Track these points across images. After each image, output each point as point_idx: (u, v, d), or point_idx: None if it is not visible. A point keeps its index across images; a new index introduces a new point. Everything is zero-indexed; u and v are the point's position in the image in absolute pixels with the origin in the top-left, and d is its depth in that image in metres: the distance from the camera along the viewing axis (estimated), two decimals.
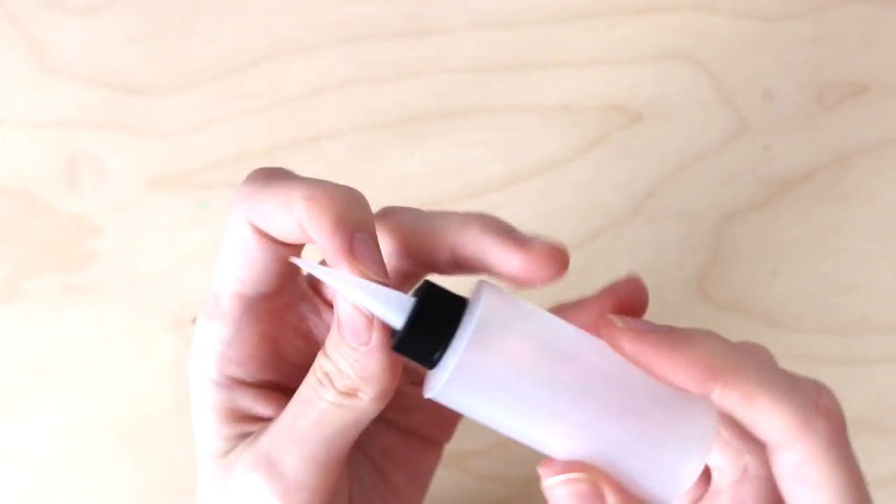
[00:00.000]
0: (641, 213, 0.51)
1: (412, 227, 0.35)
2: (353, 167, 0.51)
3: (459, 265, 0.35)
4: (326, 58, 0.51)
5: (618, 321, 0.34)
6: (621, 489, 0.33)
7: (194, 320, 0.50)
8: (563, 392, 0.32)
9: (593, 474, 0.33)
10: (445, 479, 0.51)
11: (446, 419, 0.41)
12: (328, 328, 0.35)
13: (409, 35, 0.51)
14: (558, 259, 0.35)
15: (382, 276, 0.32)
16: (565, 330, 0.33)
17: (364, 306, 0.31)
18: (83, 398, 0.50)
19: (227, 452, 0.35)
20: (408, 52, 0.51)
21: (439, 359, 0.31)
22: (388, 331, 0.32)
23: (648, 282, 0.51)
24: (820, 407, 0.32)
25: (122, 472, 0.50)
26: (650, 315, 0.51)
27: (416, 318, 0.31)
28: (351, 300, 0.31)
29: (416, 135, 0.51)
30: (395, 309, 0.31)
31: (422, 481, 0.41)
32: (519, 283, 0.34)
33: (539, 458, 0.51)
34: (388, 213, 0.36)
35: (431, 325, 0.31)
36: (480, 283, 0.32)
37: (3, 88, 0.51)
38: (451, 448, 0.51)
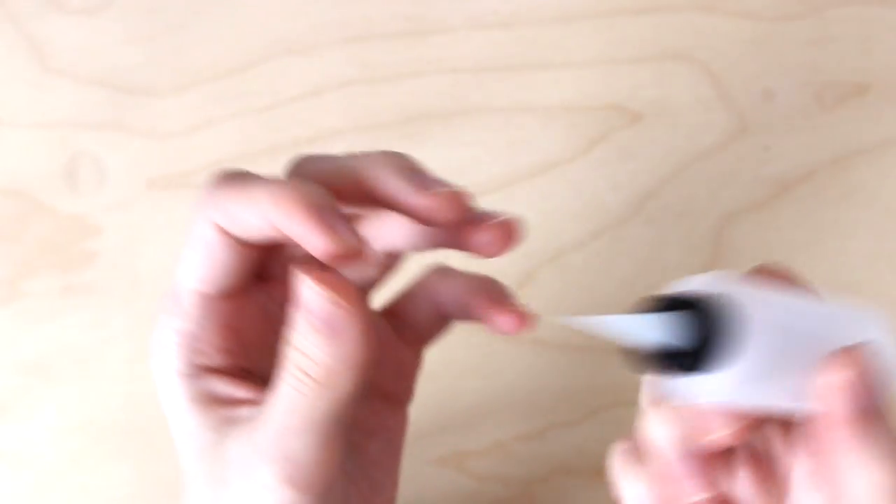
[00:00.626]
0: (641, 213, 0.51)
1: (333, 175, 0.36)
2: None
3: (377, 204, 0.36)
4: (326, 58, 0.51)
5: None
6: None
7: None
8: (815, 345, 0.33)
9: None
10: (445, 479, 0.51)
11: (404, 373, 0.41)
12: (281, 306, 0.36)
13: (409, 35, 0.51)
14: (458, 204, 0.36)
15: (363, 246, 0.33)
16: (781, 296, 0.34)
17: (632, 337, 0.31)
18: (83, 398, 0.50)
19: (216, 444, 0.35)
20: (408, 52, 0.51)
21: (716, 363, 0.30)
22: (360, 307, 0.33)
23: (648, 282, 0.51)
24: None
25: (121, 472, 0.50)
26: None
27: (692, 333, 0.31)
28: (617, 336, 0.31)
29: (416, 135, 0.51)
30: (657, 328, 0.31)
31: (395, 446, 0.41)
32: (422, 221, 0.36)
33: (538, 457, 0.51)
34: (306, 162, 0.37)
35: (702, 336, 0.31)
36: (714, 276, 0.33)
37: (3, 88, 0.51)
38: (451, 448, 0.51)
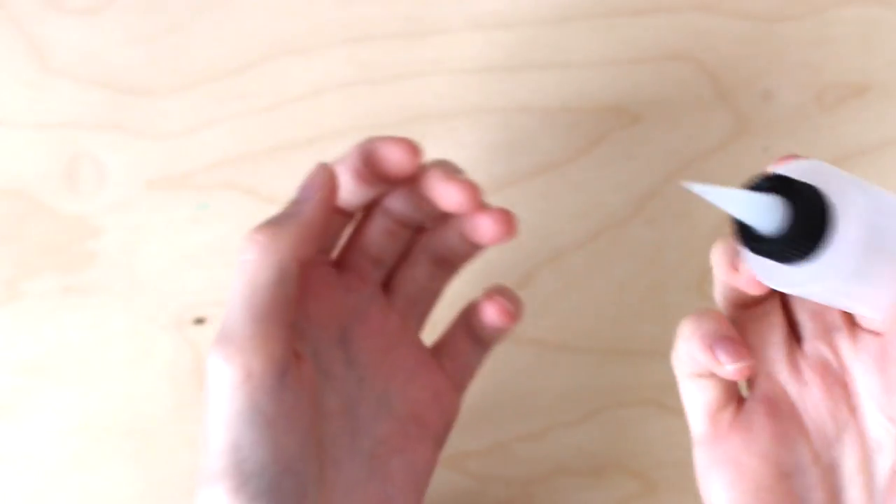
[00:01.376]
0: (641, 213, 0.51)
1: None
2: None
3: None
4: (326, 59, 0.51)
5: None
6: None
7: (195, 321, 0.50)
8: None
9: None
10: (445, 479, 0.51)
11: (441, 407, 0.43)
12: None
13: (409, 36, 0.51)
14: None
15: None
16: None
17: (738, 215, 0.31)
18: (83, 398, 0.50)
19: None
20: (408, 52, 0.51)
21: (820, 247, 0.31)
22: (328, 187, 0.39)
23: (648, 282, 0.51)
24: None
25: (121, 472, 0.50)
26: (648, 317, 0.51)
27: (796, 216, 0.30)
28: (727, 209, 0.31)
29: (416, 135, 0.51)
30: (767, 211, 0.30)
31: (417, 473, 0.42)
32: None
33: (538, 457, 0.51)
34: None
35: (807, 220, 0.30)
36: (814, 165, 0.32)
37: (3, 89, 0.51)
38: (451, 448, 0.51)
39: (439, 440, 0.43)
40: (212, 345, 0.37)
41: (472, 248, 0.43)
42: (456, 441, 0.51)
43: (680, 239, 0.51)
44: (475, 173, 0.51)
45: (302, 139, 0.51)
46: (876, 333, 0.35)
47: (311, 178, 0.39)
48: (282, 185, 0.51)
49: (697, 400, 0.37)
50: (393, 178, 0.40)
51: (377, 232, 0.42)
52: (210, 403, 0.37)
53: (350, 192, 0.41)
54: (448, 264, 0.43)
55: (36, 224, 0.51)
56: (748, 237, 0.31)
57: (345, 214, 0.42)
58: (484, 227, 0.40)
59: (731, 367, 0.35)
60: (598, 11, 0.51)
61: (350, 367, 0.41)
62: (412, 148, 0.40)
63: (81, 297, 0.50)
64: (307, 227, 0.38)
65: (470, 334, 0.44)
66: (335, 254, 0.43)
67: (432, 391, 0.43)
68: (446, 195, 0.40)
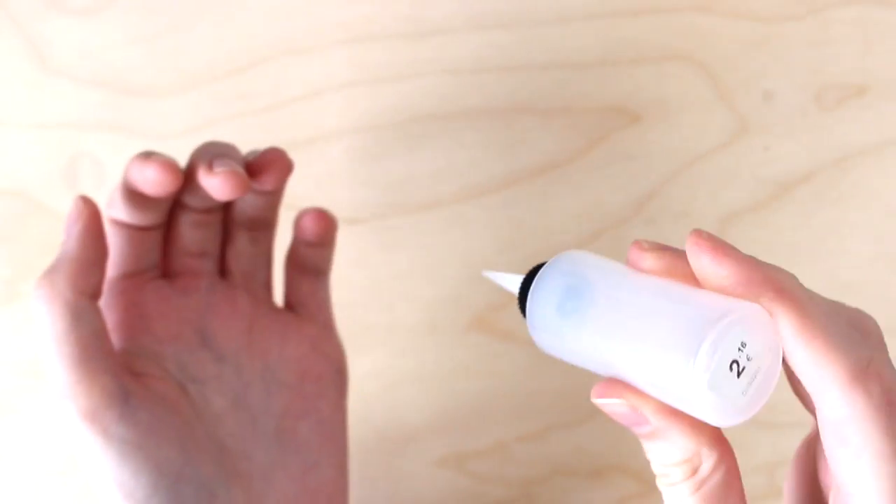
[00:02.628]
0: (641, 213, 0.51)
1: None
2: (353, 168, 0.51)
3: None
4: (326, 59, 0.51)
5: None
6: (659, 405, 0.32)
7: None
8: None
9: (629, 397, 0.32)
10: (446, 479, 0.51)
11: (320, 350, 0.44)
12: None
13: (409, 36, 0.51)
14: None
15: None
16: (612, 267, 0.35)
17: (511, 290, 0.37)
18: None
19: None
20: (408, 52, 0.51)
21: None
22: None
23: None
24: (874, 362, 0.30)
25: None
26: None
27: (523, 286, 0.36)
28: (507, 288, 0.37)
29: (416, 136, 0.51)
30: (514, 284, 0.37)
31: (329, 427, 0.43)
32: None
33: (538, 458, 0.51)
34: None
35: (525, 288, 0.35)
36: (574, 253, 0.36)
37: (3, 89, 0.51)
38: (452, 449, 0.51)
39: (338, 386, 0.44)
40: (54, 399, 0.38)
41: (268, 202, 0.43)
42: (456, 441, 0.51)
43: (680, 239, 0.51)
44: (475, 174, 0.51)
45: (302, 139, 0.51)
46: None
47: (68, 216, 0.40)
48: None
49: None
50: (164, 197, 0.41)
51: (187, 228, 0.42)
52: (80, 450, 0.38)
53: (141, 212, 0.41)
54: (259, 223, 0.44)
55: (36, 224, 0.50)
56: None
57: (155, 228, 0.42)
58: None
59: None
60: (598, 11, 0.51)
61: (221, 362, 0.42)
62: (166, 166, 0.40)
63: None
64: (77, 260, 0.38)
65: (299, 270, 0.44)
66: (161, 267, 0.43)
67: (308, 343, 0.43)
68: (216, 191, 0.40)
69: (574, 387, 0.51)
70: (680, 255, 0.32)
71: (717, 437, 0.31)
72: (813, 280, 0.51)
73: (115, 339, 0.40)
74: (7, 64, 0.51)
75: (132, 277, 0.42)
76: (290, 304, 0.45)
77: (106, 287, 0.41)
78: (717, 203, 0.51)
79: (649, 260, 0.33)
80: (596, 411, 0.51)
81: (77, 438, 0.38)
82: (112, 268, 0.41)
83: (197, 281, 0.43)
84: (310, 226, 0.43)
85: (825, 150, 0.52)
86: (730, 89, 0.51)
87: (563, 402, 0.51)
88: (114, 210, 0.41)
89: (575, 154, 0.51)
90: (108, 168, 0.51)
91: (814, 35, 0.52)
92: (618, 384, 0.32)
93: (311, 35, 0.51)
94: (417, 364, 0.51)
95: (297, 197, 0.50)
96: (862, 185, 0.52)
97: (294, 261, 0.45)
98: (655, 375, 0.31)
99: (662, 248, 0.33)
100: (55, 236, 0.50)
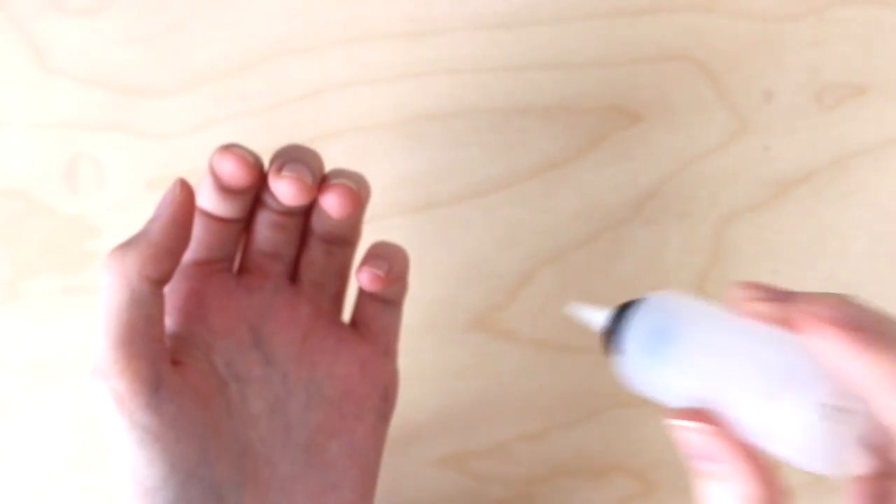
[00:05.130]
0: (641, 213, 0.51)
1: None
2: (353, 167, 0.51)
3: None
4: (326, 58, 0.51)
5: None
6: (741, 447, 0.33)
7: None
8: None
9: (718, 428, 0.33)
10: (446, 479, 0.51)
11: (370, 376, 0.43)
12: None
13: (409, 35, 0.51)
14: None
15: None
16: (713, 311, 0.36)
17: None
18: (83, 398, 0.50)
19: None
20: (408, 52, 0.51)
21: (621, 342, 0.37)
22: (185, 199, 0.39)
23: (648, 282, 0.51)
24: None
25: None
26: None
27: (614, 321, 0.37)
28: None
29: (416, 135, 0.51)
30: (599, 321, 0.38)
31: (359, 452, 0.42)
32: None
33: (538, 457, 0.51)
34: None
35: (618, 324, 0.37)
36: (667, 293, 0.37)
37: (3, 89, 0.51)
38: (452, 448, 0.51)
39: (380, 412, 0.43)
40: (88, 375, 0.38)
41: (344, 222, 0.43)
42: (456, 441, 0.51)
43: (680, 239, 0.51)
44: (475, 174, 0.51)
45: (302, 139, 0.51)
46: None
47: (163, 196, 0.39)
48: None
49: None
50: (240, 189, 0.41)
51: (264, 228, 0.42)
52: (102, 430, 0.38)
53: (222, 203, 0.41)
54: (336, 238, 0.43)
55: (36, 224, 0.51)
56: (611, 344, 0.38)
57: (234, 221, 0.42)
58: (326, 206, 0.41)
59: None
60: (597, 11, 0.51)
61: (270, 365, 0.41)
62: (242, 160, 0.40)
63: (81, 297, 0.50)
64: (155, 245, 0.38)
65: (373, 295, 0.44)
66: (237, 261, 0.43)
67: (359, 364, 0.43)
68: (280, 195, 0.40)
69: (574, 387, 0.51)
70: (790, 303, 0.33)
71: (781, 490, 0.32)
72: (813, 280, 0.52)
73: (170, 322, 0.40)
74: (7, 64, 0.51)
75: (202, 265, 0.41)
76: (354, 321, 0.44)
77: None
78: (717, 203, 0.51)
79: (763, 308, 0.34)
80: (596, 411, 0.51)
81: (102, 414, 0.37)
82: (186, 252, 0.40)
83: (264, 281, 0.42)
84: (368, 285, 0.42)
85: (825, 150, 0.52)
86: (730, 89, 0.51)
87: (564, 402, 0.51)
88: (199, 197, 0.41)
89: (575, 154, 0.51)
90: (108, 168, 0.51)
91: (814, 35, 0.52)
92: (706, 414, 0.33)
93: (311, 35, 0.51)
94: (417, 364, 0.50)
95: None
96: (862, 185, 0.52)
97: (371, 281, 0.43)
98: (758, 417, 0.33)
99: (777, 299, 0.34)
100: (55, 236, 0.50)
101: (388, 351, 0.44)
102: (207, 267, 0.41)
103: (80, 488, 0.50)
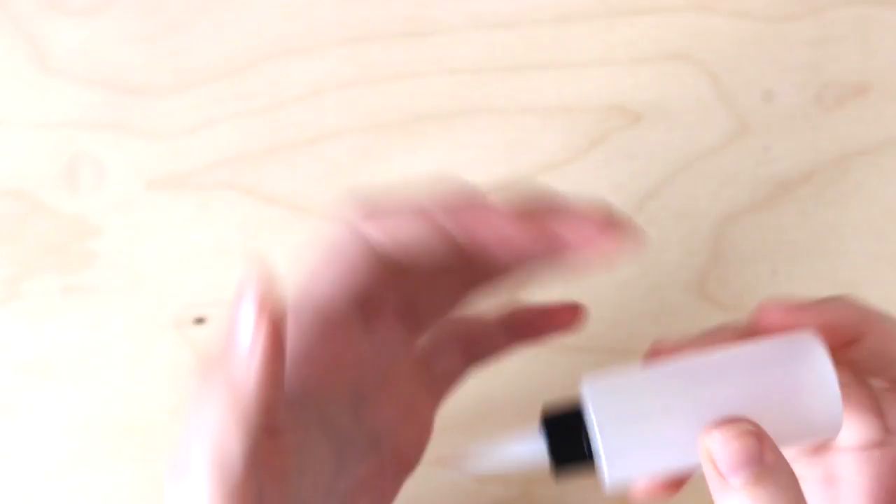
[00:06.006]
0: (641, 213, 0.51)
1: None
2: (353, 167, 0.51)
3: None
4: (326, 58, 0.51)
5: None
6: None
7: (195, 321, 0.50)
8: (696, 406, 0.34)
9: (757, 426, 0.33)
10: (445, 479, 0.51)
11: (419, 433, 0.40)
12: None
13: (409, 36, 0.51)
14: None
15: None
16: (660, 369, 0.35)
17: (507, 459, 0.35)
18: (83, 398, 0.50)
19: None
20: (408, 52, 0.51)
21: (591, 454, 0.34)
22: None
23: (648, 282, 0.51)
24: None
25: (121, 472, 0.50)
26: (648, 315, 0.51)
27: (552, 442, 0.35)
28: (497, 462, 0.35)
29: (416, 135, 0.51)
30: (533, 444, 0.35)
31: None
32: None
33: None
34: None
35: (566, 440, 0.35)
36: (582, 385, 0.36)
37: (3, 88, 0.51)
38: (451, 448, 0.51)
39: (411, 472, 0.39)
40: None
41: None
42: (456, 441, 0.51)
43: (680, 239, 0.51)
44: (475, 173, 0.51)
45: (302, 139, 0.51)
46: None
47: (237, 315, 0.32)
48: (282, 185, 0.51)
49: None
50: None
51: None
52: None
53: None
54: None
55: (36, 224, 0.50)
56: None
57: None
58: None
59: None
60: (598, 11, 0.51)
61: (357, 421, 0.37)
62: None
63: (81, 297, 0.50)
64: (257, 402, 0.32)
65: (464, 350, 0.40)
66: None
67: (419, 428, 0.39)
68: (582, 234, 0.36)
69: (574, 387, 0.51)
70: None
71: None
72: (813, 280, 0.51)
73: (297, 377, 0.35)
74: (7, 64, 0.51)
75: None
76: (425, 362, 0.40)
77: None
78: (717, 203, 0.51)
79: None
80: None
81: None
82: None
83: (390, 331, 0.38)
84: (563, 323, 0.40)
85: (825, 150, 0.52)
86: (730, 89, 0.51)
87: None
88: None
89: (575, 154, 0.51)
90: (108, 168, 0.51)
91: (814, 35, 0.52)
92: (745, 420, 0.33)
93: (311, 35, 0.51)
94: None
95: (298, 196, 0.50)
96: (862, 185, 0.52)
97: (468, 338, 0.40)
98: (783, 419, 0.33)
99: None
100: (55, 236, 0.50)
101: (439, 403, 0.40)
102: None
103: (80, 488, 0.50)
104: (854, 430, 0.35)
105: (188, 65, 0.51)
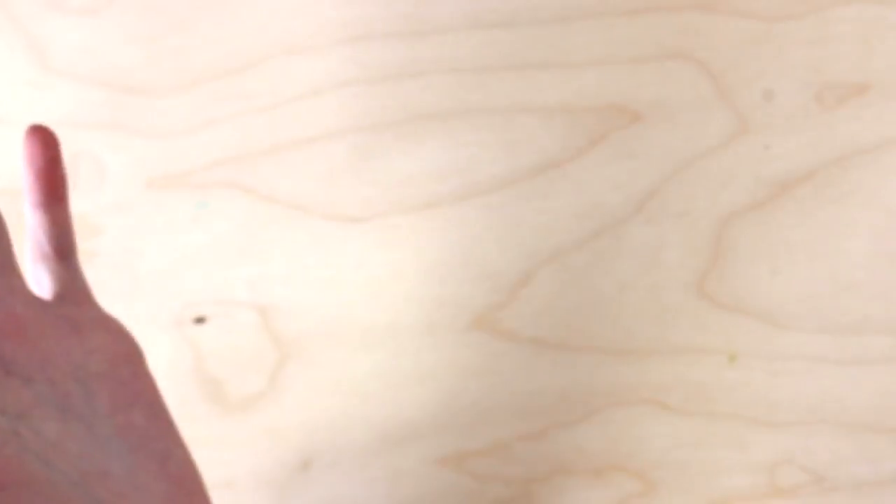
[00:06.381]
0: (641, 213, 0.51)
1: None
2: (353, 167, 0.51)
3: None
4: (326, 58, 0.51)
5: None
6: None
7: (195, 320, 0.50)
8: None
9: None
10: (445, 479, 0.51)
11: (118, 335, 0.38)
12: None
13: (409, 35, 0.51)
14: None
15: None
16: None
17: None
18: None
19: None
20: (408, 52, 0.51)
21: None
22: None
23: (648, 282, 0.51)
24: None
25: None
26: (648, 317, 0.51)
27: None
28: None
29: (416, 135, 0.51)
30: None
31: (156, 406, 0.37)
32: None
33: (538, 457, 0.51)
34: None
35: None
36: None
37: (3, 88, 0.51)
38: (452, 448, 0.51)
39: (143, 362, 0.38)
40: None
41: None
42: (456, 441, 0.51)
43: (680, 239, 0.51)
44: (475, 173, 0.51)
45: (302, 139, 0.51)
46: None
47: None
48: (282, 185, 0.51)
49: None
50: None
51: None
52: None
53: None
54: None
55: None
56: None
57: None
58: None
59: None
60: (598, 11, 0.51)
61: (32, 383, 0.35)
62: None
63: None
64: None
65: (45, 257, 0.40)
66: None
67: (102, 328, 0.38)
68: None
69: (574, 386, 0.51)
70: None
71: None
72: (813, 280, 0.52)
73: None
74: (7, 64, 0.51)
75: None
76: (53, 295, 0.39)
77: None
78: (717, 203, 0.51)
79: None
80: (596, 411, 0.51)
81: None
82: None
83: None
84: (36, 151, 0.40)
85: (825, 150, 0.52)
86: (730, 89, 0.51)
87: (563, 401, 0.51)
88: None
89: (575, 154, 0.51)
90: (108, 167, 0.51)
91: (814, 34, 0.52)
92: None
93: (311, 35, 0.51)
94: (417, 364, 0.51)
95: (298, 196, 0.50)
96: (862, 185, 0.52)
97: (40, 250, 0.40)
98: None
99: None
100: None
101: (98, 304, 0.39)
102: None
103: None
104: None
105: (188, 65, 0.51)
